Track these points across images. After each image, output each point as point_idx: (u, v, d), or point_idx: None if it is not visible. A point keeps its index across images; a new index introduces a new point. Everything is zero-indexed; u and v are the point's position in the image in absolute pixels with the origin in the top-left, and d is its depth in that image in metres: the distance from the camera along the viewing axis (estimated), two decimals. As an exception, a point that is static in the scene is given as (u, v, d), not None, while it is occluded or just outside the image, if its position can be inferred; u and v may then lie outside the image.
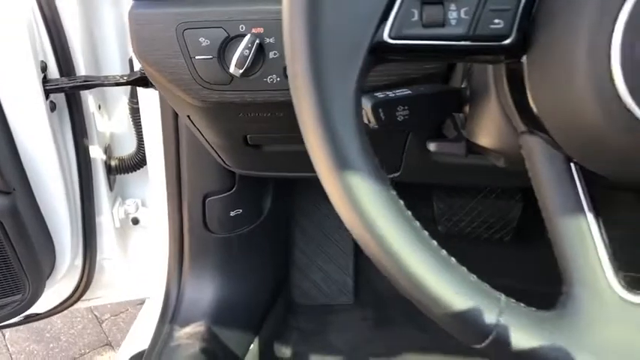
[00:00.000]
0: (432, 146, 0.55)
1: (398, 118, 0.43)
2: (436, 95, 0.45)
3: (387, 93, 0.43)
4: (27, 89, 0.78)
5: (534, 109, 0.36)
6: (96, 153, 0.96)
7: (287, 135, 0.61)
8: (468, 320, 0.33)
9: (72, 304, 1.09)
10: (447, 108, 0.47)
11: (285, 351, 1.08)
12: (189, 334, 0.92)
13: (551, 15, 0.33)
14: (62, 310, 1.11)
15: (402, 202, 0.35)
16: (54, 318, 1.53)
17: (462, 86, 0.50)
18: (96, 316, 1.57)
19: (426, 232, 0.35)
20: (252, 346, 0.99)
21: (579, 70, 0.31)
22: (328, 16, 0.32)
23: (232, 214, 0.90)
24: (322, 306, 1.17)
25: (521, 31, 0.34)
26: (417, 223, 0.35)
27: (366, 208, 0.33)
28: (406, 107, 0.43)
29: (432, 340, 1.05)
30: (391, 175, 0.77)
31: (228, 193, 0.88)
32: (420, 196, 1.11)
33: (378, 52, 0.33)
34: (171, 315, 0.96)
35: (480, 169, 0.64)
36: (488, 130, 0.45)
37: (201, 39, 0.52)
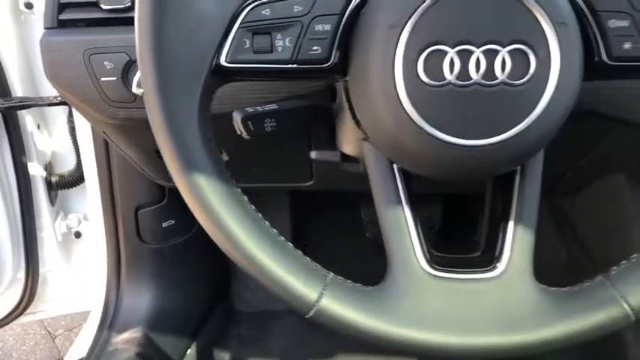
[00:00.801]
0: (312, 154, 0.62)
1: (266, 129, 0.50)
2: (301, 109, 0.52)
3: (257, 108, 0.50)
4: (-38, 110, 0.83)
5: (359, 120, 0.44)
6: (35, 170, 1.01)
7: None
8: (296, 293, 0.40)
9: (16, 317, 1.13)
10: (312, 120, 0.54)
11: (224, 356, 1.13)
12: (125, 340, 0.97)
13: (360, 42, 0.40)
14: (7, 324, 1.14)
15: (245, 197, 0.42)
16: (5, 335, 1.56)
17: (337, 101, 0.58)
18: (49, 331, 1.60)
19: (266, 223, 0.42)
20: (189, 351, 1.04)
21: (376, 89, 0.38)
22: (172, 44, 0.38)
23: (164, 225, 0.96)
24: (262, 312, 1.23)
25: (341, 55, 0.41)
26: (259, 215, 0.41)
27: (213, 204, 0.40)
28: (273, 120, 0.50)
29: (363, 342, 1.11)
30: (306, 184, 0.84)
31: (158, 205, 0.93)
32: (348, 204, 1.18)
33: (218, 73, 0.40)
34: (109, 322, 1.00)
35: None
36: (347, 138, 0.53)
37: (106, 62, 0.59)
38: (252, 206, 0.42)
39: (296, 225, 1.23)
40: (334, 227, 1.26)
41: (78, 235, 1.13)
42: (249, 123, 0.49)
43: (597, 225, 0.83)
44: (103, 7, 0.59)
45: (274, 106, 0.51)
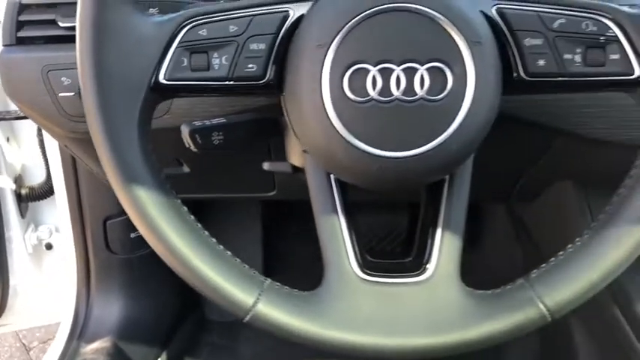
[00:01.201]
0: (265, 165, 0.64)
1: (214, 142, 0.52)
2: (248, 122, 0.54)
3: (205, 121, 0.52)
4: None
5: (297, 134, 0.46)
6: (5, 182, 1.02)
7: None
8: (233, 299, 0.42)
9: (-13, 329, 1.13)
10: (259, 133, 0.56)
11: (195, 364, 1.14)
12: (94, 350, 0.98)
13: (292, 60, 0.42)
14: (-22, 336, 1.15)
15: (185, 208, 0.44)
16: (-20, 348, 1.55)
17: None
18: (24, 344, 1.59)
19: (206, 232, 0.43)
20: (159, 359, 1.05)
21: (306, 105, 0.41)
22: (112, 65, 0.40)
23: (132, 235, 0.97)
24: (234, 321, 1.24)
25: (276, 72, 0.43)
26: (199, 225, 0.43)
27: (152, 216, 0.42)
28: (221, 133, 0.52)
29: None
30: (269, 194, 0.86)
31: (126, 216, 0.94)
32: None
33: (157, 91, 0.42)
34: (79, 333, 1.01)
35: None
36: (293, 151, 0.55)
37: (64, 78, 0.60)
38: (192, 217, 0.44)
39: (268, 233, 1.25)
40: (306, 235, 1.28)
41: (49, 246, 1.14)
42: (197, 136, 0.51)
43: (548, 228, 0.86)
44: (61, 24, 0.61)
45: (222, 120, 0.53)
